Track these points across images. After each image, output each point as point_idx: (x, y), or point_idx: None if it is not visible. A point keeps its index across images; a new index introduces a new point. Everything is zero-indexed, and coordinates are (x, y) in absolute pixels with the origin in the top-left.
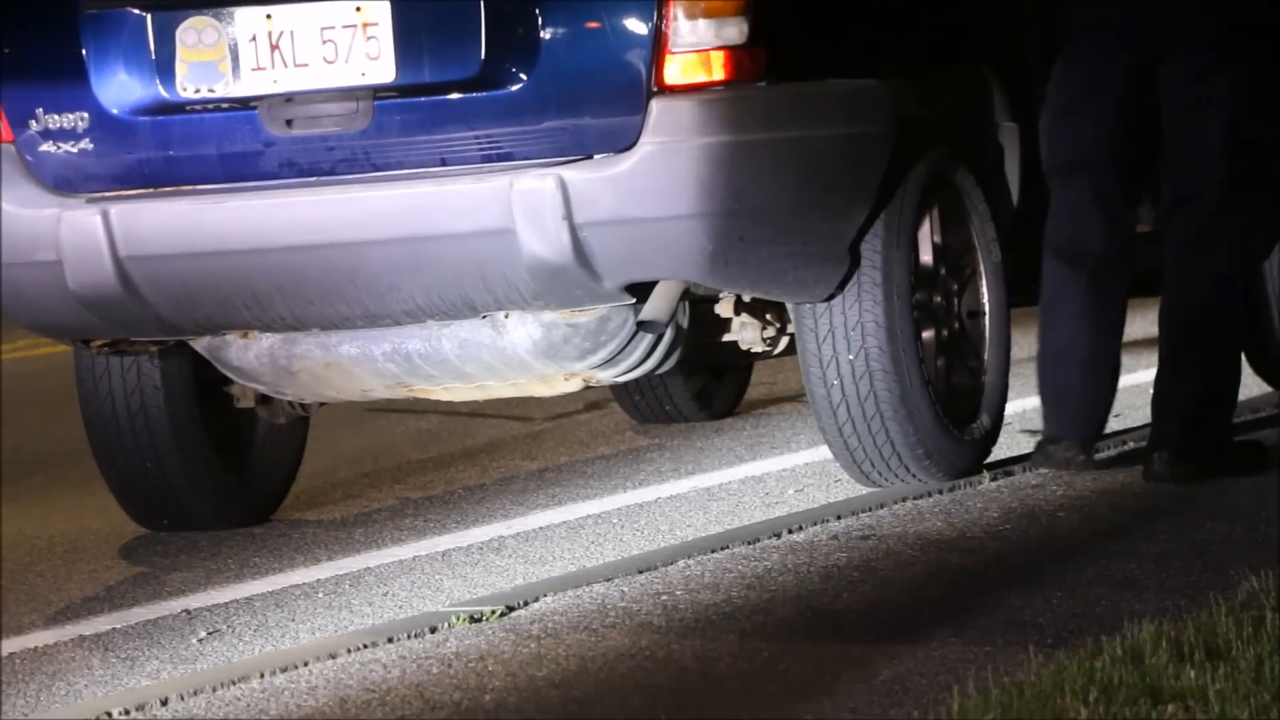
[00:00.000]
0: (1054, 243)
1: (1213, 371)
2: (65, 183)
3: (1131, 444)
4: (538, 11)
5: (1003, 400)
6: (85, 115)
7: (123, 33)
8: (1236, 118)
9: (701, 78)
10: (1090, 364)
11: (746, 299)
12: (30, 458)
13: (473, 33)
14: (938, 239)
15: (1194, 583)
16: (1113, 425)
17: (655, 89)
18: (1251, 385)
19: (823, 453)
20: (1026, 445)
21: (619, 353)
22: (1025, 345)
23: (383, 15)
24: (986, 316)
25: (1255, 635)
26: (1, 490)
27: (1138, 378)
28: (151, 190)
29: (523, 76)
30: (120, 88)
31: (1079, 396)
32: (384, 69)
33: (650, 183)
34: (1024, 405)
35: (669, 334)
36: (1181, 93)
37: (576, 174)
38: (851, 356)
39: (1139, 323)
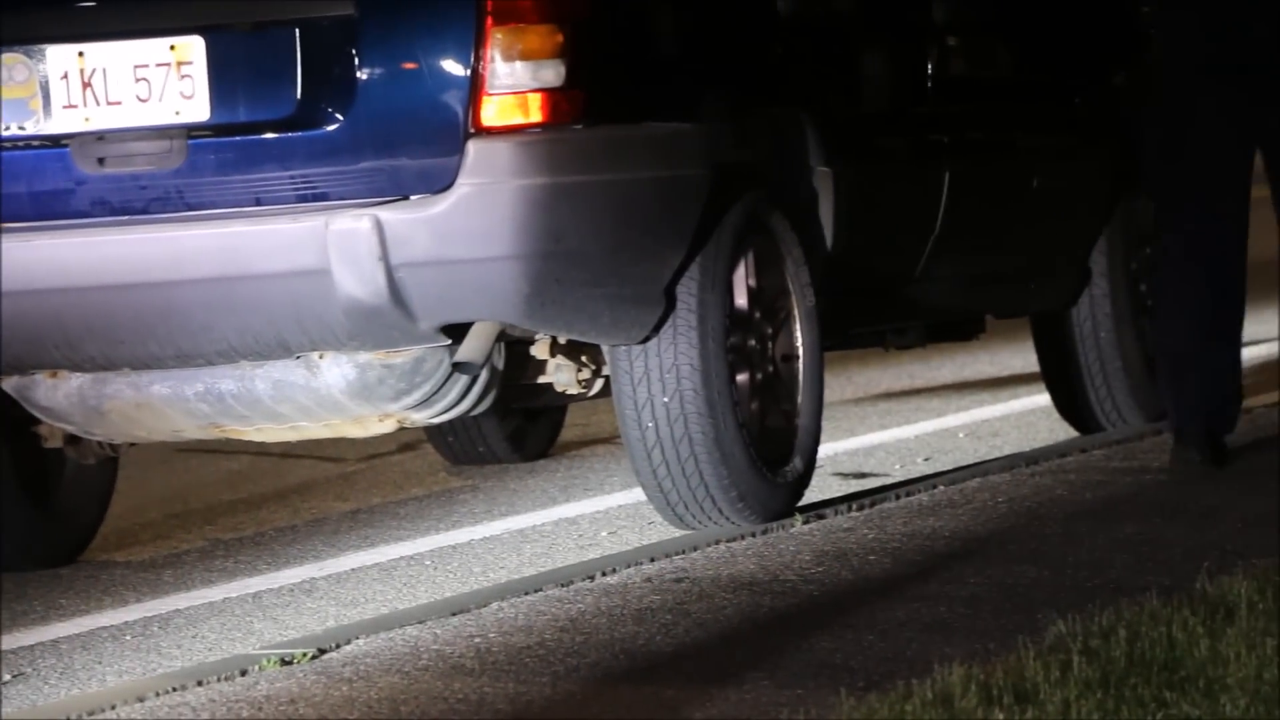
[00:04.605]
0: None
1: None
2: None
3: (942, 486)
4: (354, 52)
5: (815, 443)
6: None
7: None
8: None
9: (518, 119)
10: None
11: (562, 341)
12: None
13: (288, 73)
14: (753, 282)
15: (1003, 626)
16: (922, 468)
17: (472, 130)
18: (1059, 431)
19: (636, 495)
20: (838, 488)
21: (434, 394)
22: (837, 388)
23: (197, 54)
24: (800, 360)
25: (1063, 678)
26: None
27: (944, 422)
28: None
29: (339, 116)
30: None
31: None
32: (198, 108)
33: (466, 224)
34: (836, 448)
35: (484, 375)
36: None
37: (393, 214)
38: (666, 399)
39: (948, 367)
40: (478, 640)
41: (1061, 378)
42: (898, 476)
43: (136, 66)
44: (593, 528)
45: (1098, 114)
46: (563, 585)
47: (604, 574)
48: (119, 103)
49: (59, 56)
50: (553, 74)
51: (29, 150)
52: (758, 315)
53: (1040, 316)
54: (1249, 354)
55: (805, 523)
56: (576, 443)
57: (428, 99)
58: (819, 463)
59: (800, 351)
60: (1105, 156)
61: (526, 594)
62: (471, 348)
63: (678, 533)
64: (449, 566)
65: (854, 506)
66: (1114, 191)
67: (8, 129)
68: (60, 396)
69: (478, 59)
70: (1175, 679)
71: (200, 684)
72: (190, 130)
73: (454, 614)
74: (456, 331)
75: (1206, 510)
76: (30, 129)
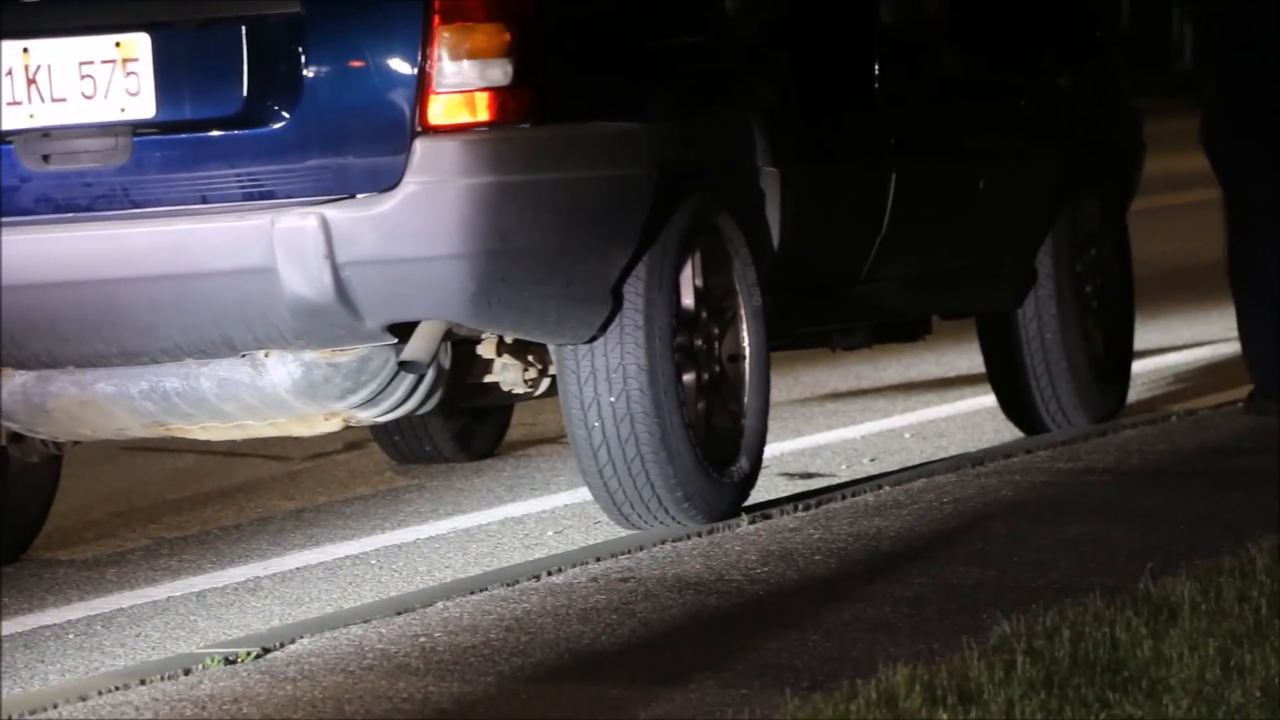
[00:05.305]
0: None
1: None
2: None
3: (887, 487)
4: (301, 50)
5: (761, 443)
6: None
7: None
8: None
9: (465, 118)
10: None
11: (509, 340)
12: None
13: (235, 70)
14: (699, 282)
15: (947, 626)
16: (868, 469)
17: (419, 129)
18: (1004, 432)
19: (582, 494)
20: (784, 488)
21: (380, 393)
22: (783, 388)
23: (143, 51)
24: (747, 360)
25: (1006, 678)
26: None
27: (891, 422)
28: None
29: (285, 115)
30: None
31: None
32: (144, 105)
33: (413, 223)
34: (782, 448)
35: (430, 374)
36: None
37: (339, 213)
38: (613, 399)
39: (895, 368)
40: (423, 640)
41: (1007, 379)
42: (844, 477)
43: (82, 63)
44: (539, 527)
45: (1045, 115)
46: (508, 585)
47: (550, 574)
48: (64, 99)
49: (4, 53)
50: (500, 73)
51: None
52: (704, 315)
53: (986, 317)
54: (1193, 356)
55: (751, 523)
56: (523, 442)
57: (374, 98)
58: (765, 463)
59: (747, 351)
60: (1052, 158)
61: (472, 593)
62: (418, 347)
63: (624, 532)
64: (394, 566)
65: (800, 507)
66: (1060, 193)
67: None
68: (4, 394)
69: (425, 58)
70: (1118, 679)
71: (143, 683)
72: (136, 127)
73: (399, 613)
74: (403, 330)
75: (1150, 511)
76: None
